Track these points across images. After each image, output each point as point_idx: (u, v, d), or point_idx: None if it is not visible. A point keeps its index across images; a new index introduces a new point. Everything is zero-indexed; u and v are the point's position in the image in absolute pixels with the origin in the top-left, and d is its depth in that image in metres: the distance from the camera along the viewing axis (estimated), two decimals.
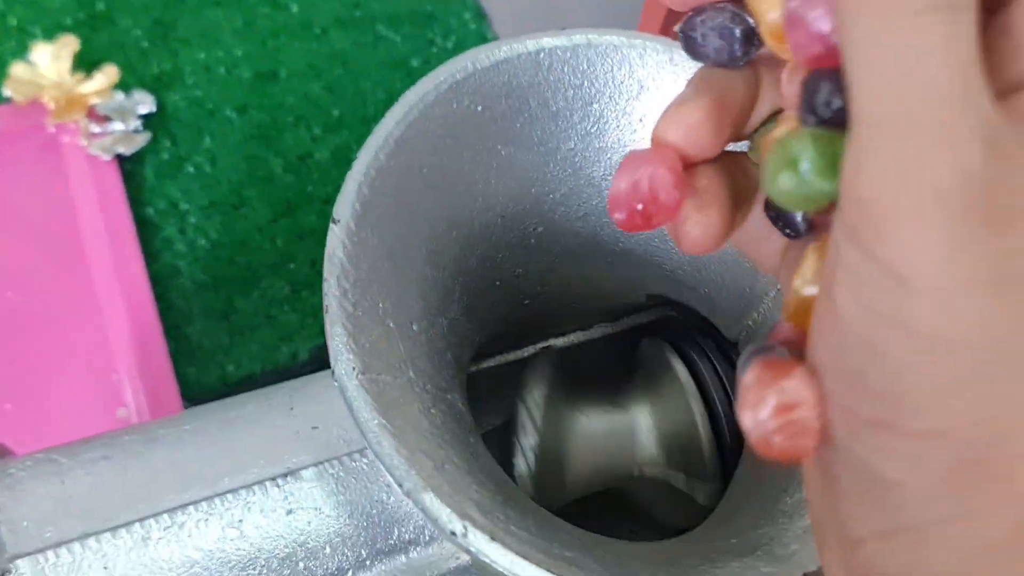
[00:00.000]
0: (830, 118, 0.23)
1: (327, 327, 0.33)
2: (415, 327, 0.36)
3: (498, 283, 0.42)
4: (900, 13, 0.20)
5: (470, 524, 0.30)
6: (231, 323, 0.61)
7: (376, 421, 0.32)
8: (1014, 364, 0.20)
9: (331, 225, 0.35)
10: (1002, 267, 0.20)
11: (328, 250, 0.35)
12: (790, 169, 0.23)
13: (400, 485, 0.31)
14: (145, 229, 0.63)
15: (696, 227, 0.26)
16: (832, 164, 0.23)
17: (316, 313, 0.61)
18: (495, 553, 0.30)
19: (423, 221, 0.38)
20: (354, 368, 0.32)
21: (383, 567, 0.37)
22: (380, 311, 0.35)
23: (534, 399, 0.43)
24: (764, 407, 0.23)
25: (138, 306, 0.60)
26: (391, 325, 0.35)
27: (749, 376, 0.24)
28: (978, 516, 0.21)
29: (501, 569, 0.30)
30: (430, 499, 0.31)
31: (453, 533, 0.30)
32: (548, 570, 0.30)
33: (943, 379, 0.21)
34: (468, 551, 0.30)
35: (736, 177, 0.27)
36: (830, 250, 0.22)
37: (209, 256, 0.63)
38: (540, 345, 0.47)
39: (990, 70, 0.22)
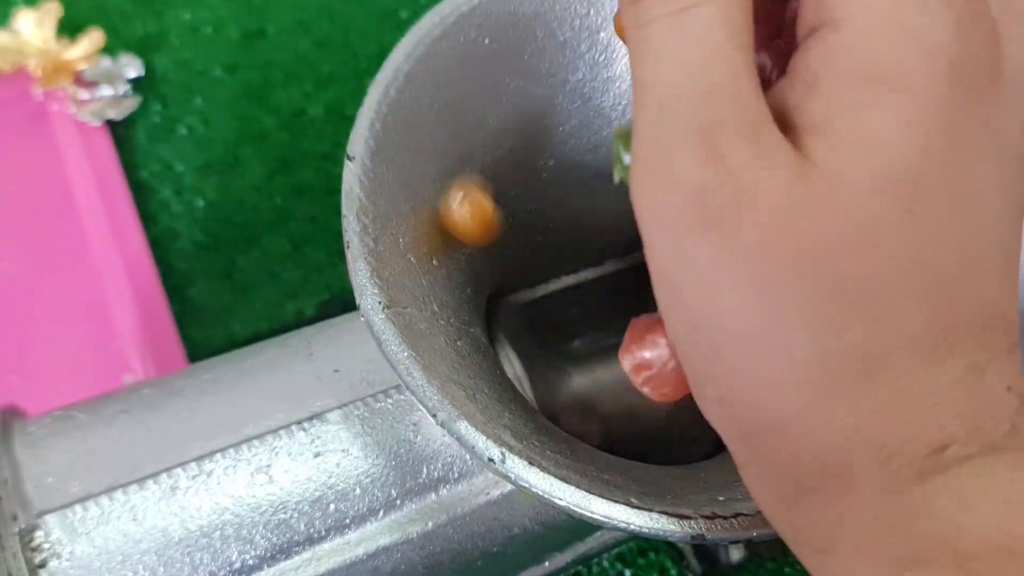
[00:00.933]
0: None
1: (349, 263, 0.33)
2: (435, 262, 0.36)
3: (511, 219, 0.41)
4: (643, 23, 0.22)
5: (507, 450, 0.30)
6: (234, 283, 0.60)
7: (406, 353, 0.31)
8: (756, 342, 0.23)
9: (346, 162, 0.35)
10: (726, 262, 0.22)
11: (345, 187, 0.34)
12: (618, 162, 0.27)
13: (434, 416, 0.31)
14: (140, 193, 0.62)
15: None
16: None
17: (320, 269, 0.60)
18: (534, 477, 0.30)
19: (436, 156, 0.37)
20: (380, 302, 0.32)
21: (413, 506, 0.37)
22: (401, 246, 0.35)
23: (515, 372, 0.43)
24: (628, 363, 0.28)
25: (138, 270, 0.59)
26: (412, 260, 0.35)
27: (626, 334, 0.29)
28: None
29: (540, 492, 0.30)
30: (465, 427, 0.30)
31: (491, 460, 0.30)
32: (588, 491, 0.30)
33: (707, 352, 0.24)
34: (507, 477, 0.30)
35: None
36: None
37: (207, 217, 0.62)
38: (553, 284, 0.46)
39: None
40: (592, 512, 0.29)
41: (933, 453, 0.22)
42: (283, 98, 0.66)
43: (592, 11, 0.39)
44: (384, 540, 0.36)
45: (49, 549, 0.34)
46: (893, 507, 0.23)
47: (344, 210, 0.34)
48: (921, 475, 0.22)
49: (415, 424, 0.37)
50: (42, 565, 0.34)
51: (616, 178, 0.28)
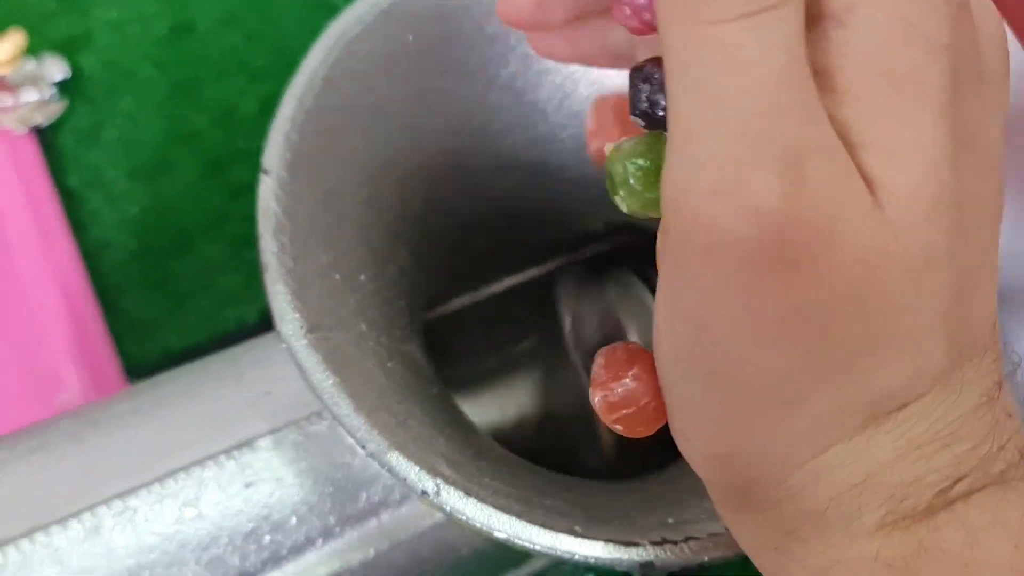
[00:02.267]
0: (660, 119, 0.22)
1: (267, 286, 0.31)
2: (363, 277, 0.34)
3: (447, 222, 0.39)
4: (712, 20, 0.18)
5: (442, 481, 0.28)
6: (170, 292, 0.58)
7: (330, 381, 0.30)
8: (783, 398, 0.21)
9: (261, 176, 0.33)
10: (786, 307, 0.19)
11: (261, 204, 0.32)
12: (623, 187, 0.23)
13: (363, 447, 0.29)
14: (70, 201, 0.60)
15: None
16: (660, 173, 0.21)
17: (260, 273, 0.58)
18: (471, 509, 0.28)
19: (359, 164, 0.36)
20: (302, 327, 0.30)
21: (354, 533, 0.35)
22: (323, 264, 0.33)
23: None
24: (600, 403, 0.25)
25: (70, 283, 0.57)
26: (337, 278, 0.33)
27: (596, 364, 0.25)
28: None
29: (478, 525, 0.28)
30: (396, 459, 0.29)
31: (424, 492, 0.28)
32: (529, 521, 0.28)
33: (721, 409, 0.22)
34: (442, 510, 0.28)
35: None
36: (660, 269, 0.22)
37: (140, 224, 0.59)
38: (495, 285, 0.45)
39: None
40: (534, 543, 0.28)
41: (946, 488, 0.21)
42: (215, 95, 0.64)
43: None
44: (323, 571, 0.35)
45: None
46: (896, 546, 0.21)
47: (260, 228, 0.32)
48: (931, 509, 0.21)
49: (352, 447, 0.35)
50: None
51: (624, 207, 0.23)
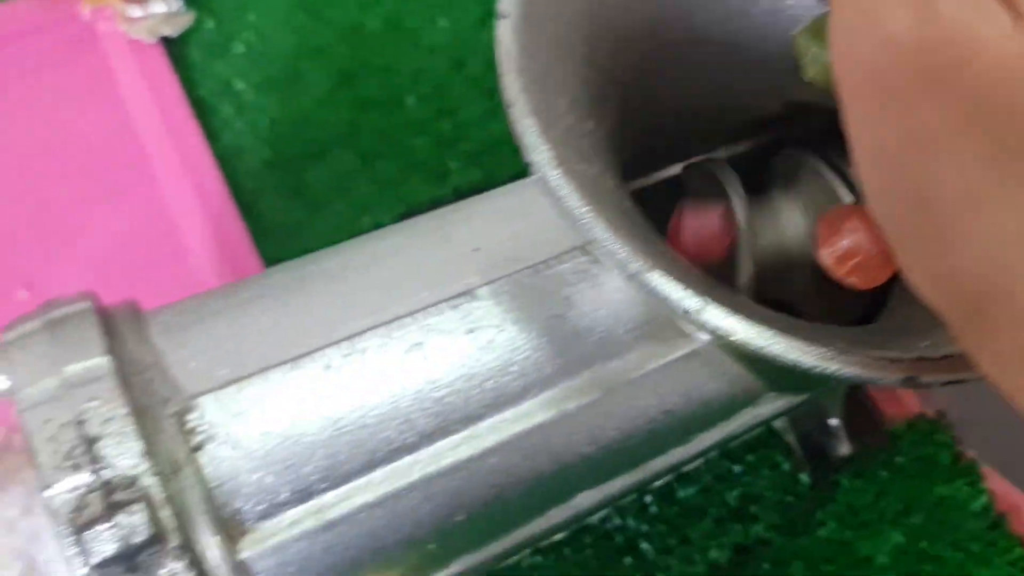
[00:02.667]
0: None
1: (516, 122, 0.32)
2: (590, 125, 0.35)
3: (644, 94, 0.40)
4: None
5: (709, 298, 0.29)
6: (305, 199, 0.58)
7: (587, 208, 0.30)
8: (984, 210, 0.22)
9: (499, 21, 0.33)
10: (946, 124, 0.21)
11: (502, 45, 0.33)
12: (805, 57, 0.27)
13: (625, 267, 0.29)
14: (200, 111, 0.60)
15: None
16: None
17: (394, 184, 0.59)
18: (737, 326, 0.29)
19: (578, 22, 0.36)
20: (554, 157, 0.31)
21: (568, 383, 0.36)
22: (560, 107, 0.33)
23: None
24: (828, 259, 0.27)
25: (208, 188, 0.57)
26: (571, 121, 0.33)
27: (818, 228, 0.28)
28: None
29: (745, 340, 0.29)
30: (659, 278, 0.29)
31: (687, 311, 0.29)
32: (795, 337, 0.29)
33: (928, 228, 0.23)
34: (705, 327, 0.29)
35: None
36: None
37: (271, 133, 0.60)
38: (665, 171, 0.45)
39: None
40: (800, 359, 0.28)
41: None
42: (339, 11, 0.64)
43: None
44: (540, 417, 0.35)
45: (204, 432, 0.33)
46: None
47: (503, 69, 0.33)
48: None
49: (566, 299, 0.36)
50: (198, 448, 0.32)
51: (809, 74, 0.27)
